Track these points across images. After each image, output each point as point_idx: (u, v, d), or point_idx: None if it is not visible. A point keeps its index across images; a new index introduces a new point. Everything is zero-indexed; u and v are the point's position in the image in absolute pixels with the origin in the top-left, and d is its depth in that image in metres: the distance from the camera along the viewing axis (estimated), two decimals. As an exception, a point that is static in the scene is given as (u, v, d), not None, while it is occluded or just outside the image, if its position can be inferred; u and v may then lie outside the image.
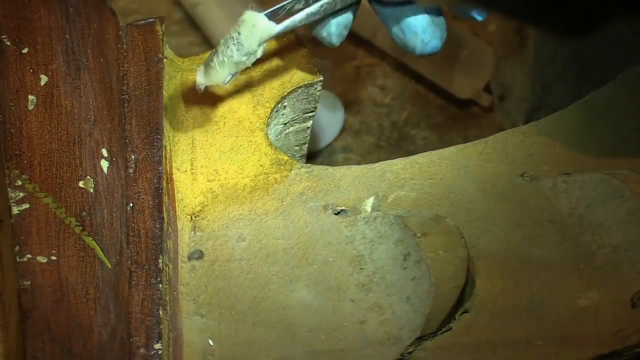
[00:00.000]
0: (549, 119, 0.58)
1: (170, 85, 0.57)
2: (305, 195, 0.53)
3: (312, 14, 0.52)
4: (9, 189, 0.48)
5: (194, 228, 0.52)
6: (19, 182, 0.48)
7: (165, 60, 0.56)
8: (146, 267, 0.48)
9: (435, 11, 0.52)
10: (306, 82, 0.57)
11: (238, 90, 0.57)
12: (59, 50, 0.53)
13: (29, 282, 0.45)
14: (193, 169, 0.54)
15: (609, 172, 0.53)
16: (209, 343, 0.47)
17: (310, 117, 0.60)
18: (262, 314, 0.49)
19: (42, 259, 0.46)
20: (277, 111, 0.57)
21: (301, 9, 0.52)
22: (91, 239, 0.47)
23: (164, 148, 0.53)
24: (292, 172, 0.54)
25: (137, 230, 0.49)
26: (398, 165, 0.55)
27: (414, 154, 0.56)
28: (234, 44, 0.50)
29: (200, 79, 0.52)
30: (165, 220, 0.50)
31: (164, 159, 0.52)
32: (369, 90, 0.93)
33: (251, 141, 0.55)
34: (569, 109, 0.59)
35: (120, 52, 0.56)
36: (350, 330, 0.48)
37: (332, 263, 0.51)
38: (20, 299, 0.45)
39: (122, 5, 0.95)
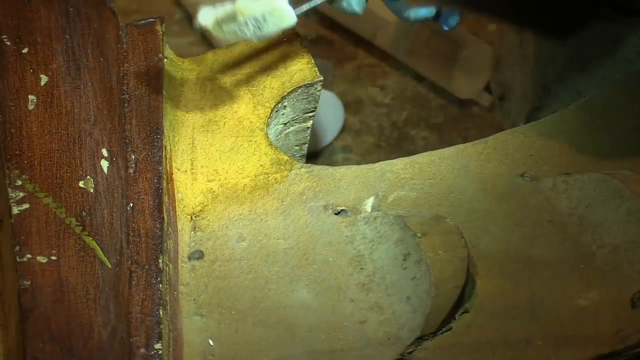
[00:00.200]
0: (549, 119, 0.58)
1: (170, 85, 0.57)
2: (306, 195, 0.53)
3: None
4: (9, 189, 0.48)
5: (194, 228, 0.52)
6: (19, 182, 0.48)
7: (165, 60, 0.56)
8: (146, 267, 0.48)
9: None
10: (306, 82, 0.57)
11: (238, 90, 0.57)
12: (59, 50, 0.53)
13: (29, 282, 0.45)
14: (193, 169, 0.54)
15: (609, 172, 0.53)
16: (209, 343, 0.47)
17: (310, 117, 0.60)
18: (262, 314, 0.49)
19: (42, 259, 0.46)
20: (277, 111, 0.57)
21: None
22: (91, 239, 0.47)
23: (164, 148, 0.53)
24: (292, 172, 0.54)
25: (137, 230, 0.49)
26: (398, 165, 0.55)
27: (414, 154, 0.56)
28: (254, 25, 0.50)
29: (202, 23, 0.50)
30: (166, 220, 0.50)
31: (164, 159, 0.52)
32: (369, 90, 0.93)
33: (251, 141, 0.55)
34: (569, 109, 0.59)
35: (120, 52, 0.56)
36: (350, 330, 0.48)
37: (332, 263, 0.51)
38: (20, 299, 0.45)
39: (122, 5, 0.95)
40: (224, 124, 0.56)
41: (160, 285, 0.47)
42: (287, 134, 0.60)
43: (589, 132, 0.57)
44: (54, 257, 0.46)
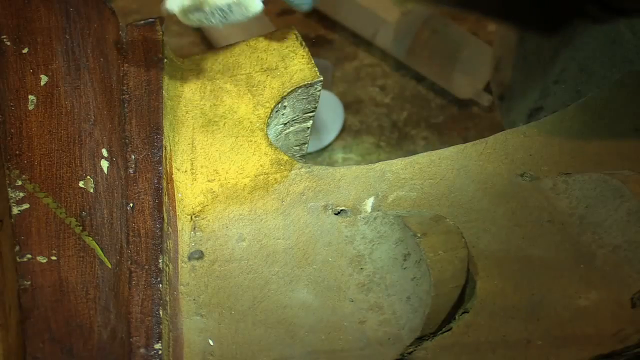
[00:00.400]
0: (549, 119, 0.58)
1: (170, 85, 0.57)
2: (306, 195, 0.53)
3: None
4: (9, 189, 0.48)
5: (194, 228, 0.52)
6: (19, 182, 0.48)
7: (165, 60, 0.56)
8: (146, 267, 0.48)
9: None
10: (306, 82, 0.57)
11: (238, 90, 0.57)
12: (59, 50, 0.53)
13: (29, 282, 0.45)
14: (193, 169, 0.54)
15: (609, 172, 0.53)
16: (209, 343, 0.47)
17: (310, 117, 0.60)
18: (262, 314, 0.49)
19: (42, 259, 0.46)
20: (277, 111, 0.57)
21: None
22: (91, 239, 0.47)
23: (164, 148, 0.53)
24: (292, 172, 0.54)
25: (137, 230, 0.49)
26: (398, 165, 0.55)
27: (414, 154, 0.56)
28: (220, 15, 0.51)
29: (169, 8, 0.52)
30: (165, 220, 0.50)
31: (164, 159, 0.52)
32: (369, 90, 0.93)
33: (251, 141, 0.55)
34: (569, 109, 0.59)
35: (120, 52, 0.56)
36: (350, 330, 0.48)
37: (332, 263, 0.51)
38: (20, 299, 0.45)
39: (122, 5, 0.95)
40: (224, 124, 0.56)
41: (160, 285, 0.47)
42: (287, 134, 0.60)
43: (589, 132, 0.57)
44: (54, 257, 0.46)
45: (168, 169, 0.53)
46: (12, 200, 0.48)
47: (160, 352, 0.45)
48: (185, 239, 0.51)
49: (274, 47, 0.59)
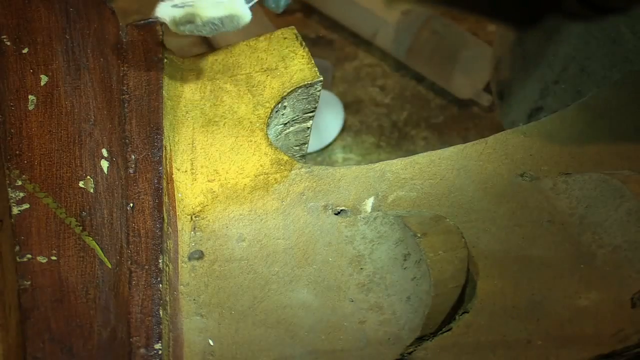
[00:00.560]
0: (549, 119, 0.58)
1: (170, 85, 0.57)
2: (305, 195, 0.53)
3: None
4: (9, 189, 0.48)
5: (194, 228, 0.52)
6: (19, 182, 0.48)
7: (165, 60, 0.56)
8: (146, 267, 0.48)
9: None
10: (306, 82, 0.57)
11: (238, 90, 0.57)
12: (59, 50, 0.53)
13: (29, 282, 0.45)
14: (193, 169, 0.54)
15: (609, 172, 0.53)
16: (209, 343, 0.47)
17: (310, 117, 0.60)
18: (262, 314, 0.49)
19: (42, 259, 0.46)
20: (277, 111, 0.57)
21: None
22: (91, 239, 0.47)
23: (164, 148, 0.53)
24: (292, 172, 0.54)
25: (137, 230, 0.49)
26: (398, 165, 0.55)
27: (414, 154, 0.56)
28: (211, 27, 0.52)
29: (160, 17, 0.52)
30: (165, 220, 0.50)
31: (164, 159, 0.52)
32: (369, 90, 0.93)
33: (251, 141, 0.55)
34: (569, 109, 0.59)
35: (120, 52, 0.56)
36: (350, 330, 0.48)
37: (332, 263, 0.51)
38: (20, 299, 0.45)
39: (122, 5, 0.95)
40: (224, 124, 0.56)
41: (160, 285, 0.47)
42: (287, 134, 0.60)
43: (589, 132, 0.57)
44: (54, 257, 0.46)
45: (168, 169, 0.53)
46: (12, 200, 0.48)
47: (160, 352, 0.45)
48: (185, 239, 0.51)
49: (274, 47, 0.59)
